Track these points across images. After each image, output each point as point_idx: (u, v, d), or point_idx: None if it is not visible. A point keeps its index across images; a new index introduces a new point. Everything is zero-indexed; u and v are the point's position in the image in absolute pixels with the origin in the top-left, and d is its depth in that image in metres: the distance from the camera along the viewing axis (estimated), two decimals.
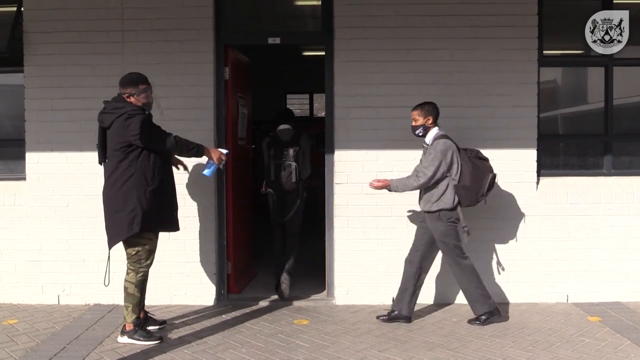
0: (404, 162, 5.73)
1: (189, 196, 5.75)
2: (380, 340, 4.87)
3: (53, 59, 5.77)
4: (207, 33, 5.77)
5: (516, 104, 5.79)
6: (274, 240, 6.36)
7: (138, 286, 4.81)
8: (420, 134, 5.26)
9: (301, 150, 6.13)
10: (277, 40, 5.98)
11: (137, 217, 4.65)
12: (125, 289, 4.82)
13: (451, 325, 5.24)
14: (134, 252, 4.77)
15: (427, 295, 5.80)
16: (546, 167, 6.02)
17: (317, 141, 8.81)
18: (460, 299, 5.80)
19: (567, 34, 6.33)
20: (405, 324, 5.23)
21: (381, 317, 5.35)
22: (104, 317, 5.43)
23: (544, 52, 5.89)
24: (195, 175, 5.71)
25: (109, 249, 4.81)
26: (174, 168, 5.12)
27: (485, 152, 5.68)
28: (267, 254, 6.92)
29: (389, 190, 5.29)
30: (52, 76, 5.78)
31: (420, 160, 5.28)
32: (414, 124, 5.26)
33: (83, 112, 5.71)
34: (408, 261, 5.32)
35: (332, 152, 5.85)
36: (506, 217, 5.82)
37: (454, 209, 5.14)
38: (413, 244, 5.36)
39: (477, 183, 5.12)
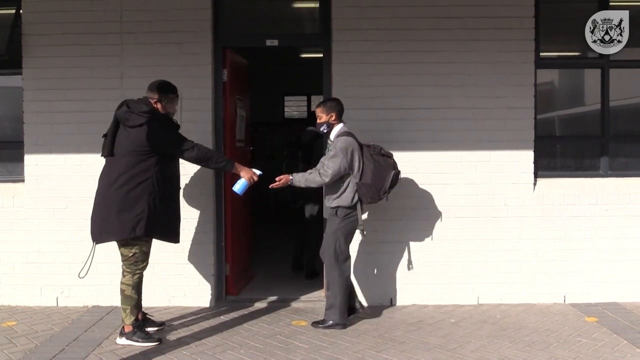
0: (400, 163, 5.74)
1: (187, 198, 5.76)
2: (378, 341, 4.89)
3: (51, 61, 5.78)
4: (206, 35, 5.79)
5: (513, 106, 5.82)
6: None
7: (135, 288, 4.82)
8: (325, 131, 5.24)
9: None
10: (275, 43, 6.01)
11: (143, 221, 4.66)
12: (122, 291, 4.82)
13: (449, 326, 5.25)
14: (130, 254, 4.78)
15: (425, 296, 5.83)
16: (543, 168, 6.04)
17: None
18: (458, 299, 5.83)
19: (564, 36, 6.36)
20: (403, 325, 5.25)
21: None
22: (103, 319, 5.43)
23: (541, 54, 5.92)
24: (194, 177, 5.73)
25: (97, 243, 4.80)
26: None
27: (482, 154, 5.73)
28: (264, 255, 6.95)
29: (292, 185, 5.22)
30: (51, 78, 5.79)
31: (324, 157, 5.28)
32: (318, 120, 5.24)
33: (81, 114, 5.73)
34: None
35: None
36: (503, 218, 5.84)
37: (352, 207, 5.13)
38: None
39: (379, 180, 5.09)
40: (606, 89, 6.04)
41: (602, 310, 5.62)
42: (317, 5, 5.99)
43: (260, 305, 5.91)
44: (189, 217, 5.72)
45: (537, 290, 5.86)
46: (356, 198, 5.11)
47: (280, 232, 9.16)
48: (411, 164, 5.77)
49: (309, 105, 13.45)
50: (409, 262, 5.82)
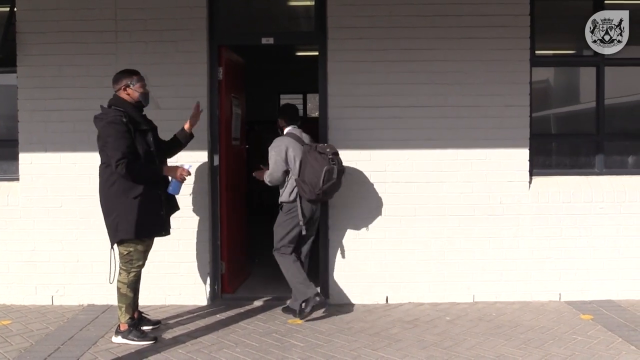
0: (396, 161, 5.76)
1: (182, 196, 5.73)
2: (374, 339, 4.89)
3: (46, 59, 5.76)
4: (201, 33, 5.77)
5: (508, 104, 5.82)
6: None
7: (130, 286, 4.81)
8: (283, 134, 5.54)
9: None
10: (271, 41, 5.99)
11: (120, 224, 4.67)
12: (118, 289, 4.82)
13: (444, 324, 5.26)
14: (125, 252, 4.77)
15: (420, 294, 5.84)
16: (538, 166, 6.05)
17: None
18: (453, 297, 5.84)
19: (559, 34, 6.37)
20: (399, 323, 5.26)
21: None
22: (98, 318, 5.42)
23: (536, 52, 5.92)
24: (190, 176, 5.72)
25: (111, 246, 4.85)
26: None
27: (477, 152, 5.74)
28: (260, 253, 6.93)
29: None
30: (46, 76, 5.77)
31: None
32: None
33: (76, 112, 5.71)
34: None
35: None
36: (499, 215, 5.85)
37: (292, 202, 5.34)
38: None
39: (314, 178, 5.18)
40: (601, 86, 6.06)
41: (597, 307, 5.64)
42: (313, 3, 5.97)
43: (256, 303, 5.91)
44: (185, 215, 5.70)
45: (533, 287, 5.87)
46: (294, 194, 5.31)
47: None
48: (406, 162, 5.77)
49: (304, 103, 13.44)
50: (404, 260, 5.83)
